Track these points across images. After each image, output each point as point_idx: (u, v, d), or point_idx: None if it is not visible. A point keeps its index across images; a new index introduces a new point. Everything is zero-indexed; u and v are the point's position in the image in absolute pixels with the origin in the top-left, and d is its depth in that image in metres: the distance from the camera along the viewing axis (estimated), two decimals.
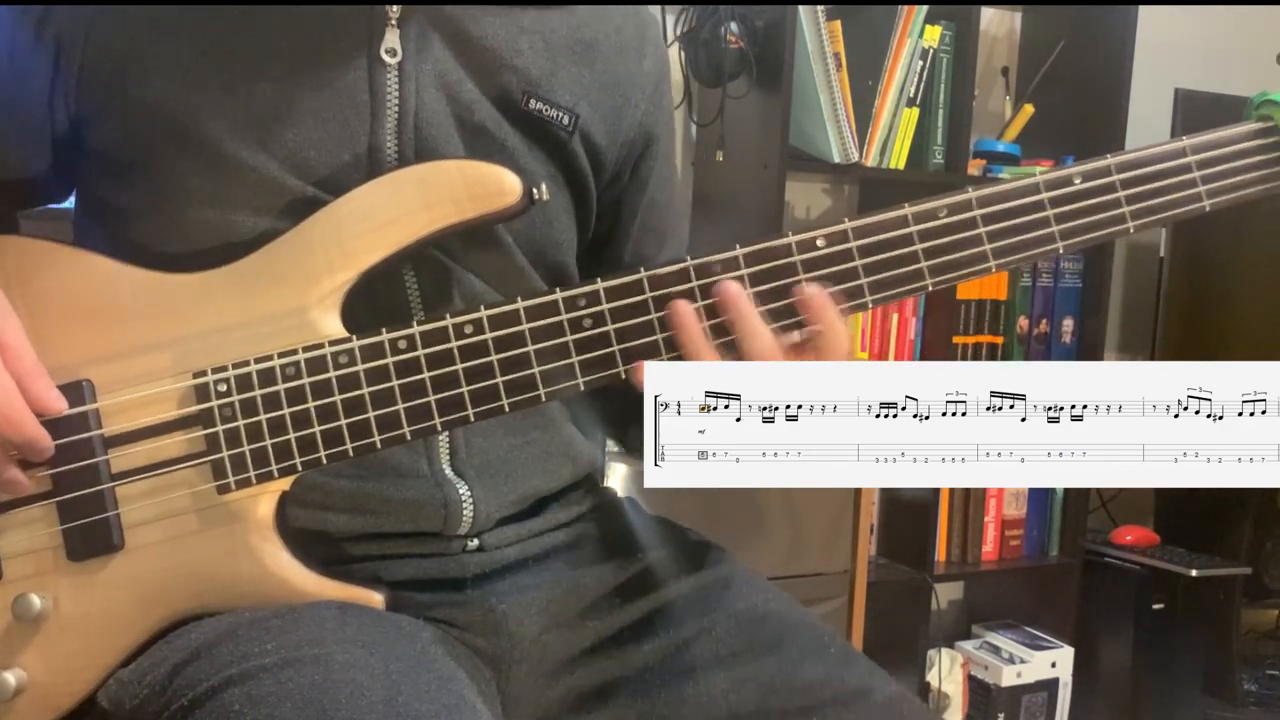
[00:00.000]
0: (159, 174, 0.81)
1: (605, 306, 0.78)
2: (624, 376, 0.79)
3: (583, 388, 0.78)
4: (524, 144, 0.88)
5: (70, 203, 0.91)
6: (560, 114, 0.88)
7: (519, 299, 0.78)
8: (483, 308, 0.78)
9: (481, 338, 0.78)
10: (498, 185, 0.80)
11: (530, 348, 0.78)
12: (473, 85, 0.86)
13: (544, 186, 0.81)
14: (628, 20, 0.96)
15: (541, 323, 0.78)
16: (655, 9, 1.91)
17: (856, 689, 0.85)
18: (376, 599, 0.80)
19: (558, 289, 0.78)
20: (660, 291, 0.78)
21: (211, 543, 0.78)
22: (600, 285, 0.78)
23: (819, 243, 0.79)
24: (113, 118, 0.82)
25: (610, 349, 0.78)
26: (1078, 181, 0.80)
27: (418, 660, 0.73)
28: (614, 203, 0.98)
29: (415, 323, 0.78)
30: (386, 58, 0.83)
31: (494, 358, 0.78)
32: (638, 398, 0.76)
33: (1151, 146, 0.81)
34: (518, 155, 0.87)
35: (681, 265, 0.78)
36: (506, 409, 0.78)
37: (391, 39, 0.84)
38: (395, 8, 0.84)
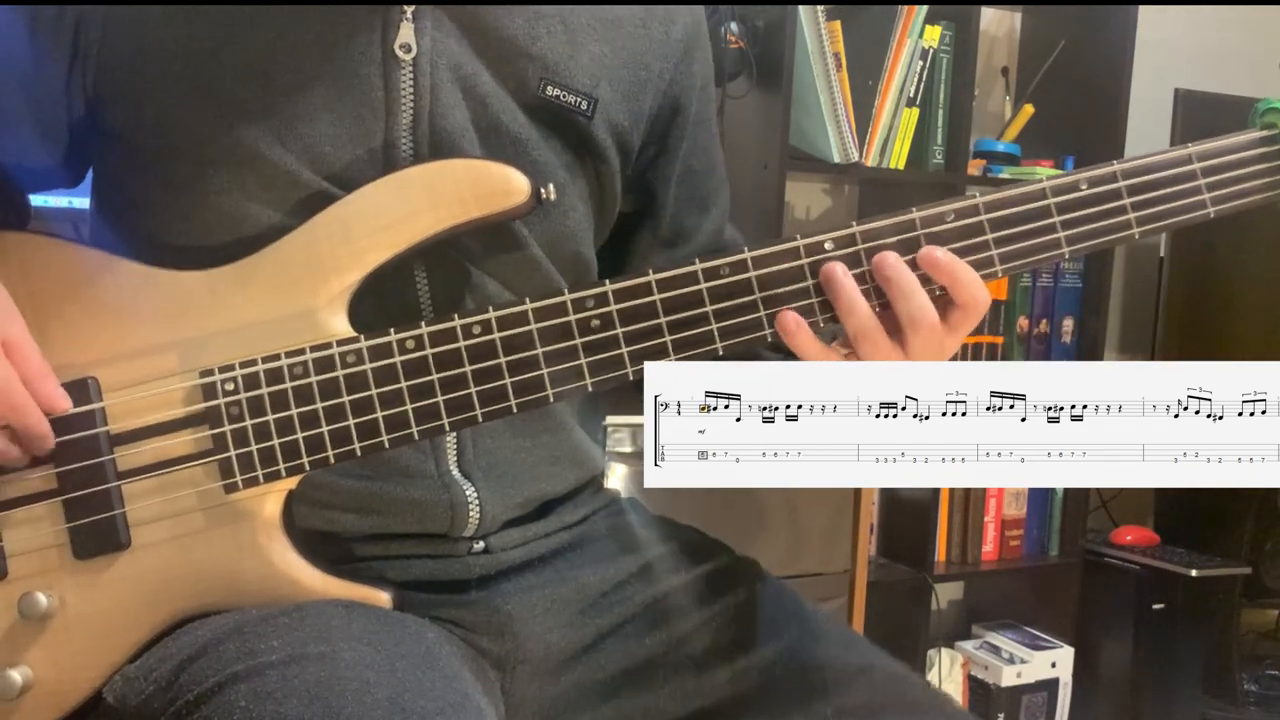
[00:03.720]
0: (174, 162, 0.82)
1: (614, 308, 0.78)
2: (631, 378, 0.79)
3: (590, 389, 0.79)
4: (540, 134, 0.87)
5: (69, 201, 0.91)
6: (578, 99, 0.87)
7: (527, 300, 0.78)
8: (491, 308, 0.78)
9: (490, 338, 0.78)
10: (504, 185, 0.80)
11: (539, 349, 0.78)
12: (489, 77, 0.86)
13: (552, 185, 0.81)
14: None
15: (550, 324, 0.78)
16: None
17: (858, 668, 0.86)
18: (383, 598, 0.80)
19: (566, 290, 0.78)
20: (668, 294, 0.78)
21: (218, 541, 0.79)
22: (609, 287, 0.78)
23: (827, 246, 0.79)
24: (128, 104, 0.82)
25: (619, 351, 0.78)
26: (1084, 188, 0.80)
27: (423, 659, 0.73)
28: (645, 176, 0.97)
29: (424, 323, 0.78)
30: (401, 53, 0.83)
31: (502, 359, 0.78)
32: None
33: (1156, 154, 0.81)
34: (533, 147, 0.87)
35: (690, 268, 0.78)
36: (514, 410, 0.78)
37: (406, 34, 0.83)
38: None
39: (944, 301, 0.79)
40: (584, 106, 0.88)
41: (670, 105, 0.96)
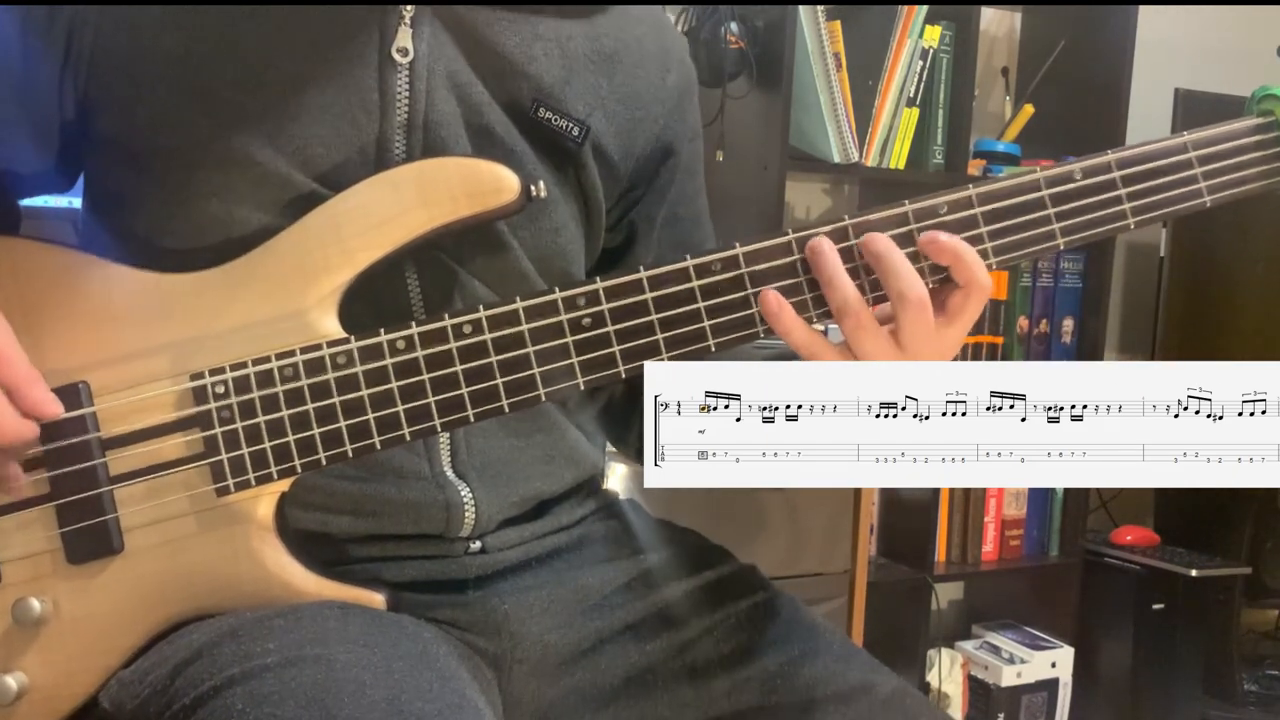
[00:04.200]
0: (166, 165, 0.81)
1: (605, 306, 0.78)
2: (624, 376, 0.78)
3: (582, 387, 0.78)
4: (533, 151, 0.87)
5: (69, 202, 0.91)
6: (570, 124, 0.87)
7: (518, 299, 0.78)
8: (481, 308, 0.78)
9: (481, 338, 0.78)
10: (494, 182, 0.79)
11: (530, 348, 0.78)
12: (483, 89, 0.85)
13: (542, 184, 0.81)
14: (650, 33, 0.95)
15: (541, 323, 0.78)
16: None
17: (858, 684, 0.85)
18: (378, 599, 0.80)
19: (557, 289, 0.78)
20: (660, 292, 0.78)
21: (211, 545, 0.78)
22: (600, 285, 0.78)
23: None
24: (121, 108, 0.81)
25: (610, 349, 0.78)
26: (1079, 177, 0.80)
27: (419, 659, 0.73)
28: (630, 215, 0.98)
29: (414, 323, 0.78)
30: (398, 57, 0.83)
31: (493, 359, 0.77)
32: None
33: (1152, 142, 0.81)
34: (525, 161, 0.87)
35: (681, 264, 0.78)
36: (506, 409, 0.78)
37: (404, 38, 0.83)
38: (409, 7, 0.83)
39: (943, 291, 0.78)
40: (575, 132, 0.87)
41: (662, 150, 0.96)
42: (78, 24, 0.80)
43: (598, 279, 0.78)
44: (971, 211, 0.79)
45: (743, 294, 0.78)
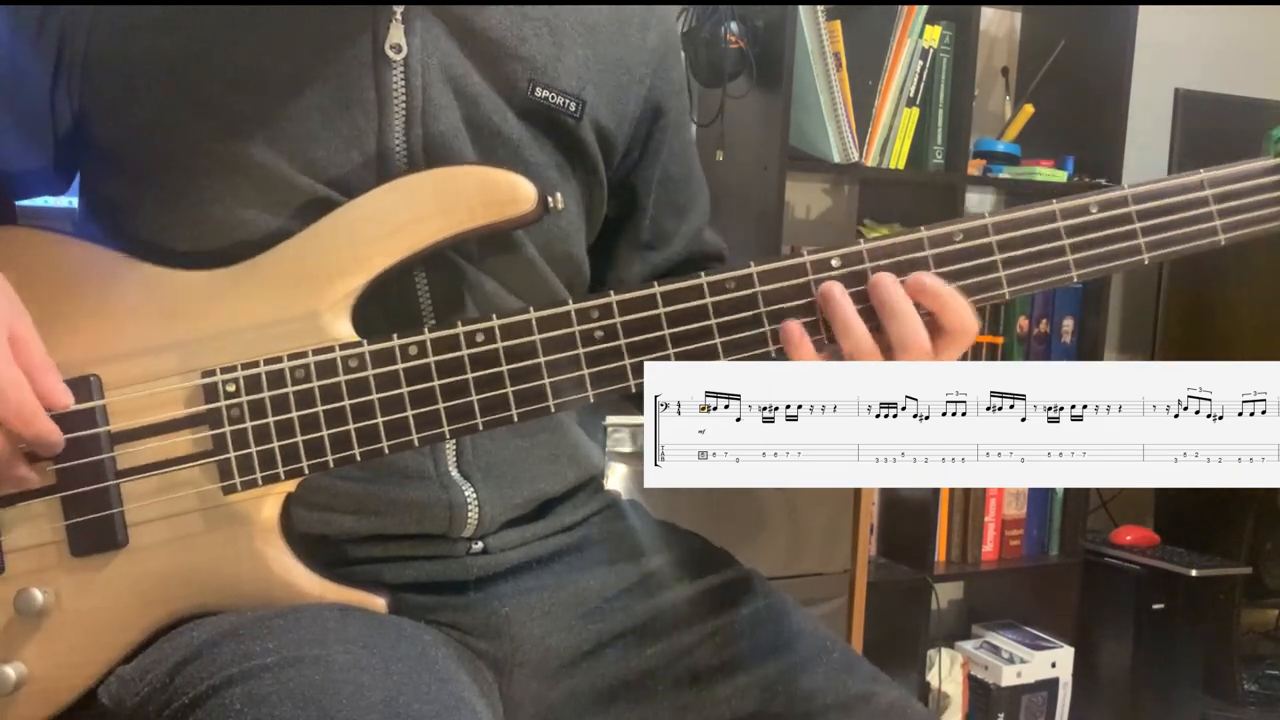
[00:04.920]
0: (164, 169, 0.81)
1: (618, 320, 0.78)
2: (634, 390, 0.78)
3: (592, 399, 0.78)
4: (531, 135, 0.87)
5: (70, 201, 0.91)
6: (567, 100, 0.88)
7: (531, 309, 0.78)
8: (494, 317, 0.78)
9: (492, 346, 0.78)
10: (512, 193, 0.80)
11: (541, 359, 0.78)
12: (479, 78, 0.86)
13: (560, 194, 0.81)
14: None
15: (553, 334, 0.78)
16: None
17: (859, 694, 0.85)
18: (379, 603, 0.80)
19: (570, 301, 0.78)
20: (673, 307, 0.78)
21: (215, 543, 0.78)
22: (613, 298, 0.78)
23: (833, 263, 0.79)
24: (116, 113, 0.81)
25: (621, 362, 0.78)
26: (1094, 211, 0.80)
27: (418, 661, 0.73)
28: (627, 180, 0.98)
29: (426, 328, 0.78)
30: (392, 54, 0.83)
31: (504, 368, 0.78)
32: None
33: (1168, 179, 0.81)
34: (525, 148, 0.87)
35: (695, 280, 0.78)
36: (515, 419, 0.78)
37: (396, 34, 0.83)
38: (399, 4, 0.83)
39: (932, 326, 0.79)
40: (572, 108, 0.88)
41: (651, 110, 0.96)
42: (69, 27, 0.80)
43: (611, 292, 0.78)
44: (986, 240, 0.79)
45: (755, 313, 0.78)
